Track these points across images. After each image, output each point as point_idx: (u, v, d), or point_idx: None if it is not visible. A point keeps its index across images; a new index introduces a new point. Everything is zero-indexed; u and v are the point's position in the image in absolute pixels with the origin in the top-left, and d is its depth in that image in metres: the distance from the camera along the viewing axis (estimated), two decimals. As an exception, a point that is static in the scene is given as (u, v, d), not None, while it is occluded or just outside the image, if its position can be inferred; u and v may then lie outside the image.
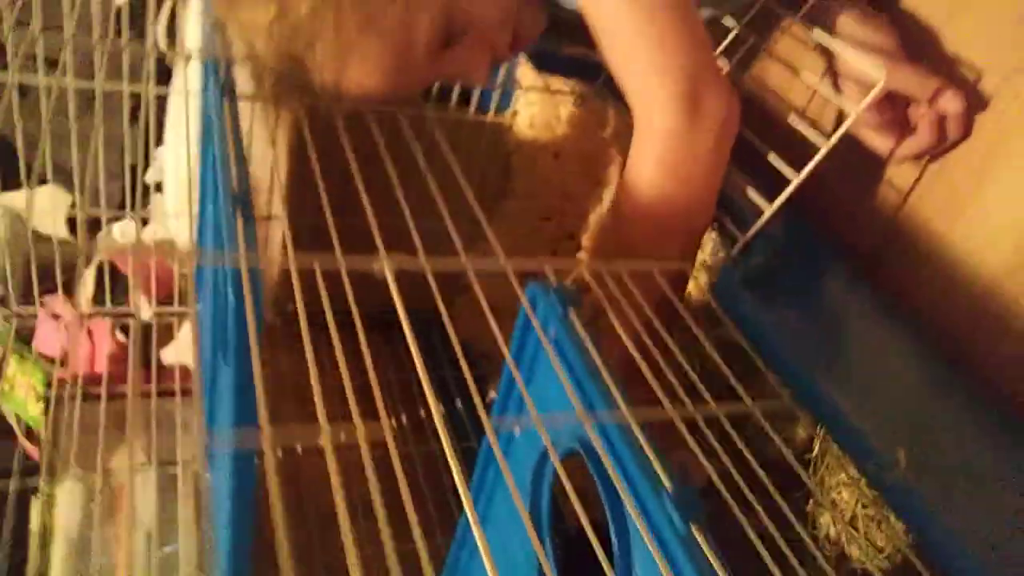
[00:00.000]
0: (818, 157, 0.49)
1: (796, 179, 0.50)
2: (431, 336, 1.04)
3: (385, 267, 0.47)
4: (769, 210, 0.51)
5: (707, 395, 0.44)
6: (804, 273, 0.54)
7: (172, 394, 1.08)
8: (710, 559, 0.35)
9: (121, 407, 1.06)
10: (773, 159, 0.52)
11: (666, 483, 0.38)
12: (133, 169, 1.13)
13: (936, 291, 0.55)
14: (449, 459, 0.38)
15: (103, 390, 1.03)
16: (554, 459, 0.41)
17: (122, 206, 1.15)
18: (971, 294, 0.53)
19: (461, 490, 0.37)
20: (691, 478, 0.41)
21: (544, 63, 0.83)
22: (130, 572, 0.95)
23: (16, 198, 1.27)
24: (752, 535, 0.38)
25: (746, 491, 0.43)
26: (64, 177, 1.23)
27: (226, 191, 0.47)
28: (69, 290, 1.16)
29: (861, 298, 0.54)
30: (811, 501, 0.53)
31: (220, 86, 0.55)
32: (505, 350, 0.49)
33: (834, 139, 0.49)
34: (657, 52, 0.50)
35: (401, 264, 0.48)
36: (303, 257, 0.45)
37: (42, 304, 1.16)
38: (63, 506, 0.99)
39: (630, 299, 0.50)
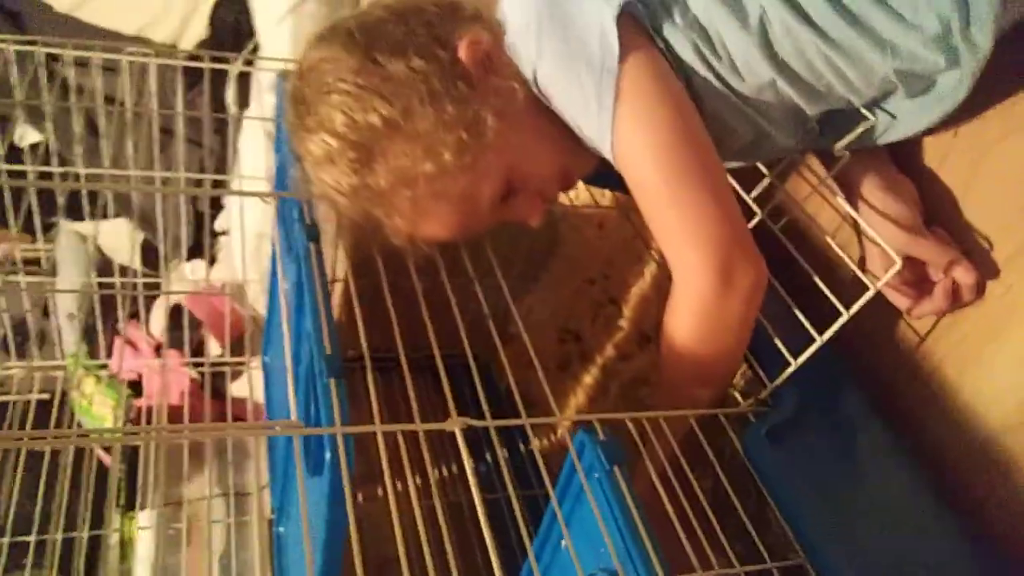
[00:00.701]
0: (836, 326, 0.55)
1: (818, 341, 0.56)
2: (474, 384, 1.11)
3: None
4: (793, 366, 0.58)
5: (730, 552, 0.51)
6: (826, 424, 0.59)
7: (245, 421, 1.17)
8: None
9: (192, 436, 1.15)
10: (800, 316, 0.58)
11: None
12: (201, 214, 1.22)
13: (943, 431, 0.61)
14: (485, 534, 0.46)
15: (185, 418, 1.13)
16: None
17: (194, 249, 1.24)
18: (974, 440, 0.59)
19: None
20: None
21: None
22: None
23: (86, 227, 1.36)
24: None
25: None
26: (128, 211, 1.31)
27: (320, 354, 0.54)
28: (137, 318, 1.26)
29: (877, 444, 0.60)
30: None
31: (306, 230, 0.62)
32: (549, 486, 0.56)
33: (853, 310, 0.55)
34: (691, 223, 0.55)
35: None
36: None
37: (116, 331, 1.25)
38: (143, 533, 1.09)
39: (664, 444, 0.57)
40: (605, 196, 0.93)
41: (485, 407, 0.58)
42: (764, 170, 0.65)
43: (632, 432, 0.58)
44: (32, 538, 1.02)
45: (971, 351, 0.58)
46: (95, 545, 1.09)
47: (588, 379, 1.02)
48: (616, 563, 0.50)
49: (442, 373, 0.61)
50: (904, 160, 0.63)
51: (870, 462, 0.59)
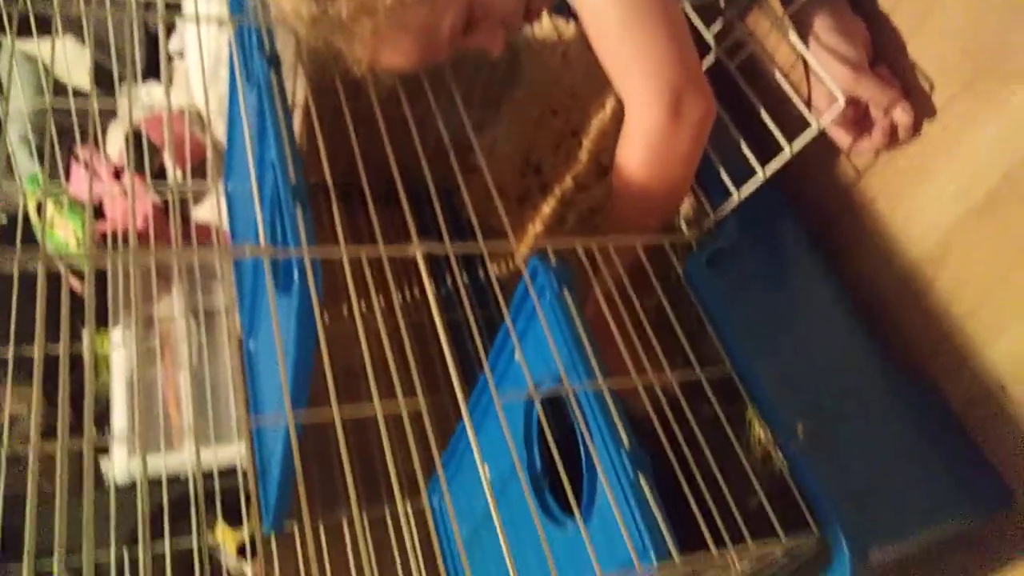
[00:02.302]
0: (778, 161, 0.58)
1: (760, 175, 0.59)
2: (436, 213, 1.14)
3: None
4: (735, 197, 0.61)
5: (664, 361, 0.57)
6: (764, 252, 0.64)
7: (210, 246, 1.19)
8: (649, 499, 0.49)
9: (162, 259, 1.18)
10: (745, 150, 0.61)
11: (625, 442, 0.52)
12: (154, 36, 1.17)
13: (874, 261, 0.66)
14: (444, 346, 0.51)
15: (150, 241, 1.14)
16: (537, 407, 0.54)
17: (148, 70, 1.20)
18: (899, 271, 0.64)
19: (463, 408, 0.50)
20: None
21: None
22: (176, 401, 1.12)
23: (33, 47, 1.30)
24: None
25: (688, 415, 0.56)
26: (78, 30, 1.26)
27: (285, 182, 0.56)
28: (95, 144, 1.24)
29: (810, 272, 0.65)
30: (749, 409, 0.64)
31: (266, 57, 0.62)
32: (505, 313, 0.60)
33: (796, 146, 0.58)
34: (643, 57, 0.57)
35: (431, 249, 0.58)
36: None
37: (73, 154, 1.24)
38: (116, 349, 1.13)
39: (612, 268, 0.61)
40: (569, 27, 0.92)
41: (445, 234, 0.61)
42: (722, 5, 0.66)
43: (583, 259, 0.62)
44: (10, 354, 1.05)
45: (904, 188, 0.62)
46: (74, 364, 1.13)
47: (546, 210, 1.05)
48: (561, 371, 0.55)
49: (403, 200, 0.63)
50: (860, 0, 0.64)
51: (802, 291, 0.64)
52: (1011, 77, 0.54)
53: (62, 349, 0.50)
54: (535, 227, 1.10)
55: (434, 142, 0.71)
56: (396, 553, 0.88)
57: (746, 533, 0.51)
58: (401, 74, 0.65)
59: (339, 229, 0.62)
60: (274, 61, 0.62)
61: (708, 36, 0.66)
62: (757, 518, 0.55)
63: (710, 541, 0.49)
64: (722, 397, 0.57)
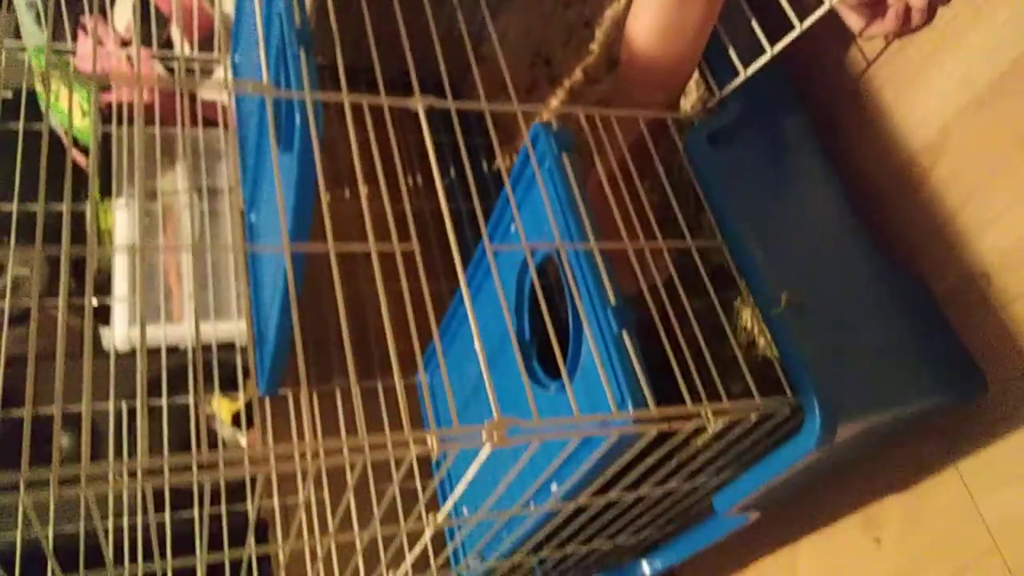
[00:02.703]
0: (787, 39, 0.58)
1: (768, 53, 0.59)
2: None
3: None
4: (742, 75, 0.61)
5: (657, 229, 0.58)
6: (765, 133, 0.64)
7: (215, 125, 1.19)
8: (631, 355, 0.51)
9: (166, 134, 1.18)
10: (755, 26, 0.60)
11: (611, 299, 0.53)
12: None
13: (874, 150, 0.66)
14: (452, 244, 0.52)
15: (155, 117, 1.14)
16: (532, 273, 0.55)
17: (157, -63, 1.18)
18: (898, 161, 0.64)
19: (458, 270, 0.51)
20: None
21: None
22: (177, 276, 1.14)
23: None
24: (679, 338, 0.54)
25: (682, 294, 0.57)
26: None
27: (290, 25, 0.56)
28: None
29: (810, 157, 0.65)
30: (738, 299, 0.66)
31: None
32: (505, 176, 0.61)
33: (806, 24, 0.57)
34: None
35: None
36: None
37: (80, 24, 1.23)
38: (119, 219, 1.14)
39: (614, 141, 0.61)
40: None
41: (448, 94, 0.61)
42: None
43: (585, 131, 0.62)
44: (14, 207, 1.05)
45: (910, 74, 0.62)
46: (77, 237, 1.14)
47: (554, 102, 1.04)
48: (555, 232, 0.56)
49: (413, 80, 0.63)
50: None
51: (800, 175, 0.65)
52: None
53: (65, 209, 0.51)
54: (542, 119, 1.09)
55: (443, 31, 0.70)
56: (387, 423, 0.90)
57: (723, 393, 0.53)
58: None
59: (346, 102, 0.62)
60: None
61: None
62: (736, 391, 0.57)
63: (687, 395, 0.51)
64: (715, 284, 0.58)
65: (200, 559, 0.57)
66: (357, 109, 0.57)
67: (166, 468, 0.58)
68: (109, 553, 0.57)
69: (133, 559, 0.82)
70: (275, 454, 0.48)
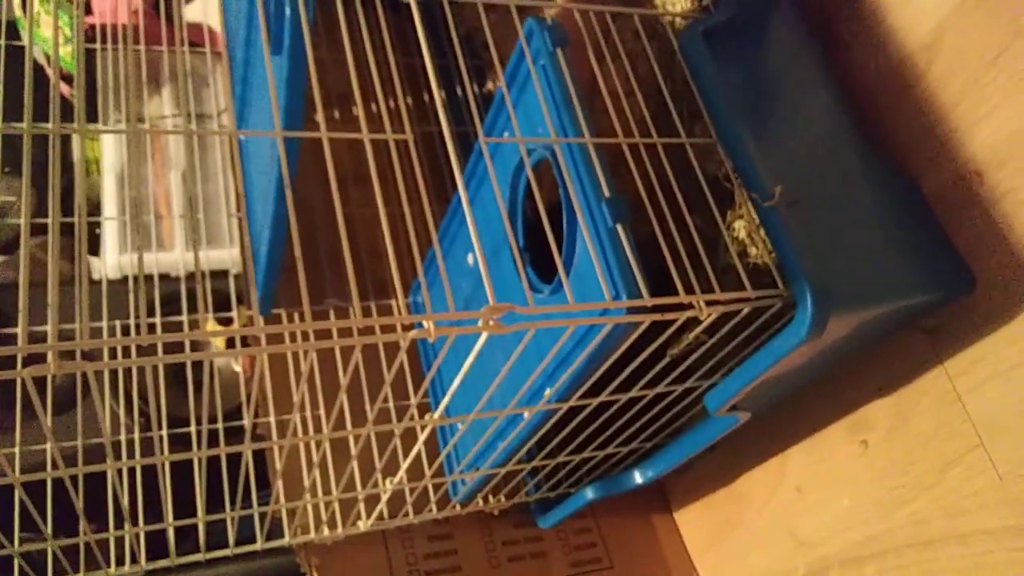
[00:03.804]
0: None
1: (766, -54, 0.58)
2: (437, 24, 1.12)
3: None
4: (739, -29, 0.60)
5: (652, 127, 0.57)
6: (761, 32, 0.63)
7: (201, 49, 1.17)
8: (626, 247, 0.51)
9: (151, 57, 1.16)
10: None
11: (605, 191, 0.53)
12: None
13: (868, 51, 0.65)
14: (448, 142, 0.52)
15: (140, 39, 1.12)
16: (528, 170, 0.55)
17: None
18: (893, 60, 0.64)
19: (456, 172, 0.51)
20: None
21: None
22: (168, 202, 1.13)
23: None
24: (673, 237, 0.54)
25: (680, 199, 0.57)
26: None
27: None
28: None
29: (805, 58, 0.65)
30: (730, 210, 0.66)
31: None
32: (500, 75, 0.60)
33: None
34: None
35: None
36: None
37: (62, -55, 1.19)
38: (107, 145, 1.13)
39: (610, 39, 0.61)
40: None
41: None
42: None
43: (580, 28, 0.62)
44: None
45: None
46: (66, 166, 1.13)
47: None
48: (550, 128, 0.56)
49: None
50: None
51: (795, 74, 0.64)
52: None
53: (54, 142, 0.50)
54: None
55: None
56: (382, 349, 0.91)
57: (716, 285, 0.53)
58: None
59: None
60: None
61: None
62: (730, 288, 0.57)
63: (680, 287, 0.51)
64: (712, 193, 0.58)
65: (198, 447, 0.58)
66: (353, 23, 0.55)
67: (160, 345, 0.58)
68: (106, 424, 0.57)
69: (131, 454, 0.82)
70: (266, 335, 0.48)
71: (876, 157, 0.63)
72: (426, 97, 1.10)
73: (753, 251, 0.64)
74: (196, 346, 1.08)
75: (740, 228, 0.66)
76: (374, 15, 0.61)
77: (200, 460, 0.59)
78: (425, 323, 0.45)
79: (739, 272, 0.54)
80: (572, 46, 0.60)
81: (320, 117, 0.50)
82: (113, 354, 0.74)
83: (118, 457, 0.84)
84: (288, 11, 0.55)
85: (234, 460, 0.76)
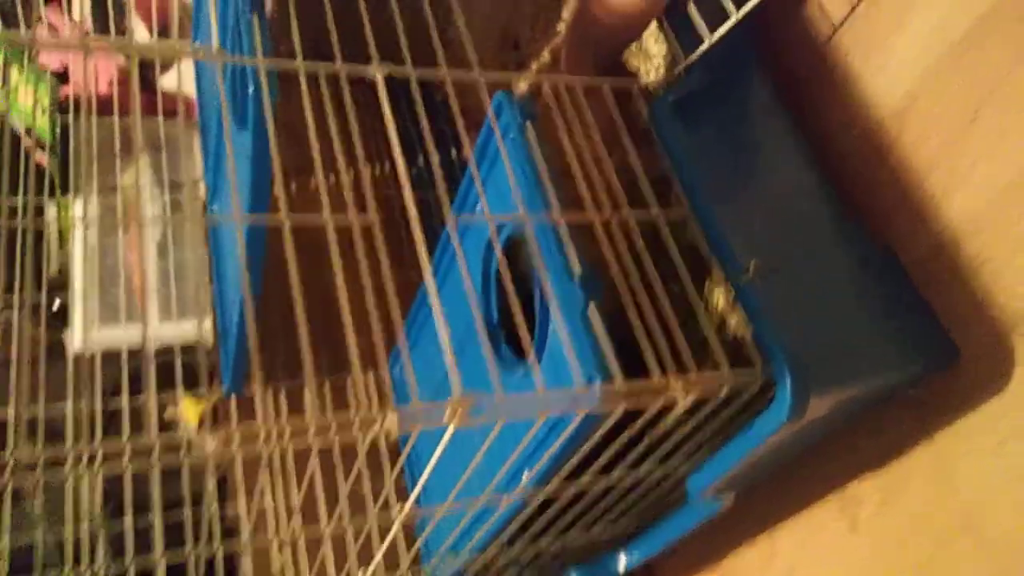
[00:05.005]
0: (751, 4, 0.57)
1: (733, 17, 0.58)
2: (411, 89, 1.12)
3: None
4: (708, 40, 0.60)
5: (625, 201, 0.56)
6: (732, 100, 0.63)
7: (175, 116, 1.16)
8: (598, 328, 0.49)
9: (127, 127, 1.15)
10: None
11: (576, 269, 0.51)
12: None
13: (841, 116, 0.65)
14: (411, 221, 0.50)
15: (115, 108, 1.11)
16: (497, 249, 0.53)
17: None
18: (867, 124, 0.63)
19: (423, 259, 0.49)
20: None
21: None
22: (143, 273, 1.10)
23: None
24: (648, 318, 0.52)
25: (654, 272, 0.55)
26: None
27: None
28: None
29: (778, 124, 0.64)
30: (708, 280, 0.64)
31: None
32: (470, 152, 0.59)
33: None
34: None
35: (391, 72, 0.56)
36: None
37: (38, 16, 1.19)
38: (79, 215, 1.11)
39: (581, 112, 0.60)
40: None
41: (409, 61, 0.59)
42: None
43: (549, 101, 0.61)
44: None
45: (877, 38, 0.61)
46: (39, 237, 1.11)
47: (523, 84, 1.03)
48: (520, 206, 0.54)
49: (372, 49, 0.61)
50: None
51: (767, 142, 0.63)
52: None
53: (29, 211, 0.48)
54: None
55: (409, 18, 0.69)
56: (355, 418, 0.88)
57: (691, 365, 0.51)
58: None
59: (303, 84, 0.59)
60: None
61: None
62: (705, 365, 0.55)
63: (655, 368, 0.49)
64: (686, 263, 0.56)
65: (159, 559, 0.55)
66: (318, 102, 0.54)
67: (126, 454, 0.55)
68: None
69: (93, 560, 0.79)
70: (237, 435, 0.46)
71: (853, 225, 0.61)
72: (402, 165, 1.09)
73: (733, 320, 0.62)
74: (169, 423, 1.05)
75: (719, 296, 0.64)
76: (337, 91, 0.60)
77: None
78: (387, 417, 0.43)
79: (717, 348, 0.52)
80: (545, 117, 0.59)
81: (282, 204, 0.49)
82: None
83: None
84: (251, 88, 0.54)
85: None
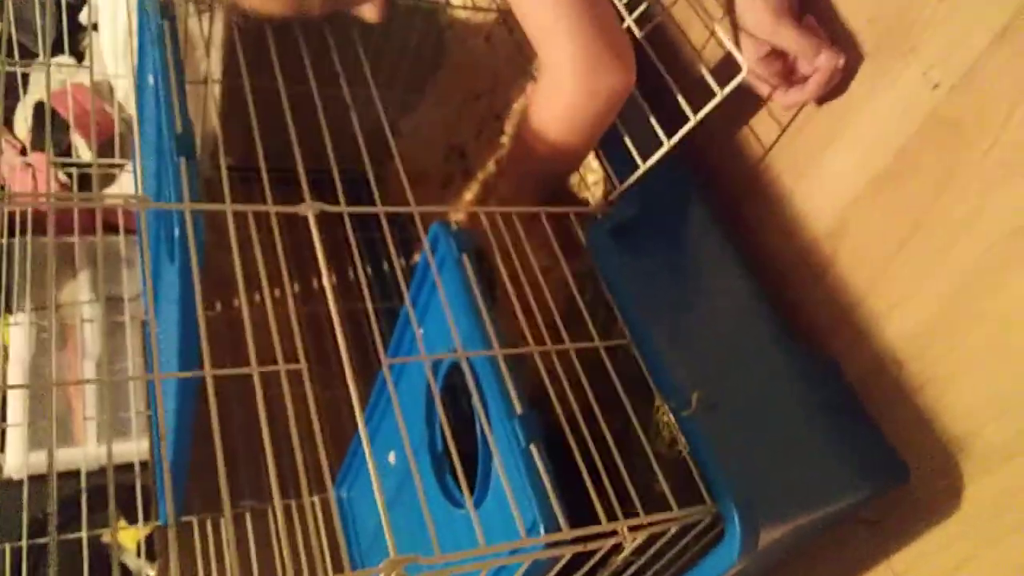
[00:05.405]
0: (683, 130, 0.57)
1: (666, 145, 0.58)
2: (362, 197, 1.11)
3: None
4: (641, 168, 0.60)
5: (564, 332, 0.55)
6: (668, 223, 0.63)
7: (116, 231, 1.14)
8: (541, 470, 0.48)
9: (67, 244, 1.12)
10: (652, 119, 0.60)
11: (517, 408, 0.50)
12: (68, 7, 1.12)
13: (777, 237, 0.65)
14: (344, 362, 0.48)
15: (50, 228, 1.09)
16: (434, 388, 0.52)
17: (57, 44, 1.15)
18: (801, 246, 0.64)
19: (357, 412, 0.48)
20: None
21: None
22: (81, 394, 1.06)
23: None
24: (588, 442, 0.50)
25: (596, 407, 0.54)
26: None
27: (171, 132, 0.53)
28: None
29: (716, 245, 0.65)
30: (658, 398, 0.63)
31: (160, 8, 0.59)
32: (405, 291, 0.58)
33: (700, 115, 0.57)
34: (564, 21, 0.56)
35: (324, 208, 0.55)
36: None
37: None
38: (15, 334, 1.07)
39: (518, 245, 0.59)
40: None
41: (341, 195, 0.59)
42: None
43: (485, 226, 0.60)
44: None
45: (810, 158, 0.62)
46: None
47: (468, 195, 1.03)
48: (457, 341, 0.53)
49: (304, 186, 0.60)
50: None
51: (705, 266, 0.63)
52: (907, 52, 0.55)
53: None
54: (457, 215, 1.08)
55: (352, 129, 0.69)
56: (302, 543, 0.84)
57: (639, 507, 0.49)
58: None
59: (226, 190, 0.59)
60: (168, 12, 0.59)
61: (619, 5, 0.65)
62: (655, 499, 0.54)
63: (601, 513, 0.47)
64: (633, 391, 0.56)
65: None
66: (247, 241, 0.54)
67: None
68: None
69: None
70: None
71: (795, 345, 0.61)
72: (351, 274, 1.08)
73: (682, 442, 0.61)
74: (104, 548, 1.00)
75: (668, 417, 0.63)
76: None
77: None
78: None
79: (663, 483, 0.51)
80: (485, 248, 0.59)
81: (206, 354, 0.47)
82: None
83: None
84: (176, 232, 0.52)
85: None
